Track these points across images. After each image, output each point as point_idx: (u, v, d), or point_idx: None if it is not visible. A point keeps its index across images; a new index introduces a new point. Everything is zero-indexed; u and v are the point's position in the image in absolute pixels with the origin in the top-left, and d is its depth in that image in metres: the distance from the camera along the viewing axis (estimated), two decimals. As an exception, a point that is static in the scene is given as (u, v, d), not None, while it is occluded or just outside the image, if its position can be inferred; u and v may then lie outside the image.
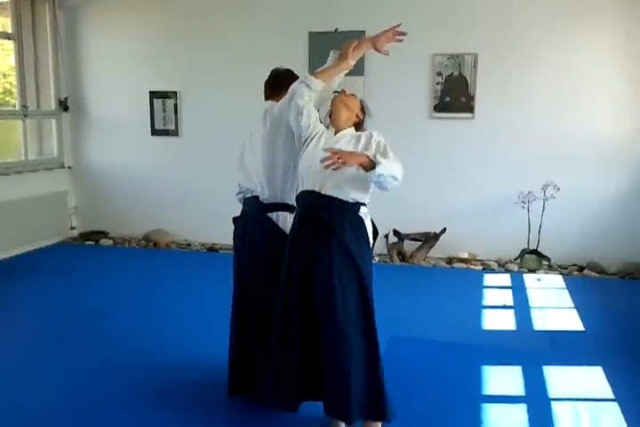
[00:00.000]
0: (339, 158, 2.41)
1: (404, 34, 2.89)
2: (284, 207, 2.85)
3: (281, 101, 2.87)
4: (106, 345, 3.69)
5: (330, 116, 2.80)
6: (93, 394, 3.05)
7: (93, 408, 2.91)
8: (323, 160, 2.46)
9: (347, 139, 2.71)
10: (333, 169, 2.45)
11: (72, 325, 4.10)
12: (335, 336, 2.52)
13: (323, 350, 2.57)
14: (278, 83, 2.99)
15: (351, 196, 2.63)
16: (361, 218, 2.69)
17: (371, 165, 2.47)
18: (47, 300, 4.59)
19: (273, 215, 2.84)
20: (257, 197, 2.87)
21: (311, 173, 2.63)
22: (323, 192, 2.60)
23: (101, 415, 2.85)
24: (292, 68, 5.58)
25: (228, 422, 2.86)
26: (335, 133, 2.73)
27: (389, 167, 2.51)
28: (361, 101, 2.77)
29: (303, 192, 2.68)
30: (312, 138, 2.72)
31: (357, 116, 2.80)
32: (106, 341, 3.75)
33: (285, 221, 2.82)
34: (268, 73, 3.15)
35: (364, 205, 2.72)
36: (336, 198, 2.60)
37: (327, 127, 2.79)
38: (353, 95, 2.80)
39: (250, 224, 2.88)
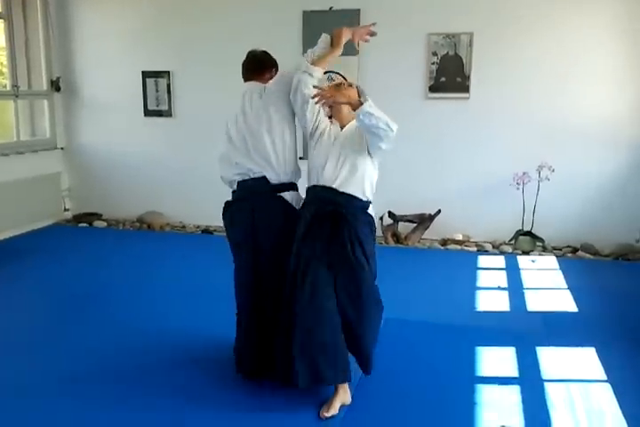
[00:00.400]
0: (330, 96, 2.65)
1: (374, 34, 3.04)
2: (293, 187, 2.95)
3: (274, 82, 2.91)
4: (101, 326, 3.70)
5: (330, 109, 2.87)
6: (93, 376, 3.06)
7: (96, 389, 2.93)
8: (313, 96, 2.68)
9: (352, 129, 2.83)
10: (323, 104, 2.73)
11: (67, 306, 4.10)
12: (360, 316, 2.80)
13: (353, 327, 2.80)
14: (261, 65, 3.07)
15: (366, 193, 2.78)
16: (372, 215, 2.84)
17: (358, 105, 2.61)
18: (41, 282, 4.59)
19: (286, 195, 2.91)
20: (263, 178, 2.87)
21: (327, 169, 2.73)
22: (341, 189, 2.72)
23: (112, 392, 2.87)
24: (285, 47, 5.57)
25: (241, 396, 2.89)
26: (341, 129, 2.85)
27: (378, 111, 2.64)
28: (357, 88, 2.78)
29: (317, 187, 2.78)
30: (321, 133, 2.83)
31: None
32: (101, 321, 3.77)
33: (294, 199, 2.93)
34: (243, 54, 3.17)
35: (371, 202, 2.85)
36: (353, 196, 2.73)
37: (330, 118, 2.90)
38: (350, 85, 2.82)
39: (262, 205, 2.88)
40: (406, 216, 5.65)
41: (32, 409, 2.77)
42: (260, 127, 2.86)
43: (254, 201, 2.89)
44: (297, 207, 2.92)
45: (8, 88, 5.97)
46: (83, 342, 3.50)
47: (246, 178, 2.91)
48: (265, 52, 3.14)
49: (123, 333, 3.60)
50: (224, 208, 3.02)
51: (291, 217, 2.87)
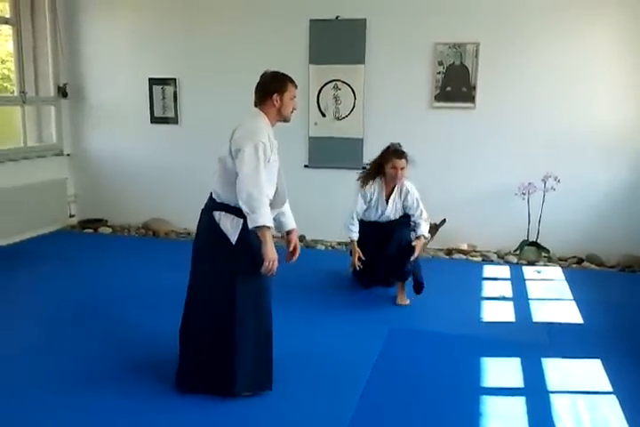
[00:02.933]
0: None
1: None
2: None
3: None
4: (104, 332, 3.70)
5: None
6: (94, 381, 3.06)
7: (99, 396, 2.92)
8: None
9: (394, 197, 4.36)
10: None
11: (71, 312, 4.09)
12: None
13: None
14: (263, 90, 2.99)
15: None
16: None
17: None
18: (45, 288, 4.59)
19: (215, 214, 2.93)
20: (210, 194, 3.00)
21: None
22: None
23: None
24: (292, 56, 5.61)
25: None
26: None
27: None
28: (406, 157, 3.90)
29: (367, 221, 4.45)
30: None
31: None
32: (104, 328, 3.76)
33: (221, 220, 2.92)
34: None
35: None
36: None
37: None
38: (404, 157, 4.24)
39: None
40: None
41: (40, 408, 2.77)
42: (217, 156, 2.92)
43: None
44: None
45: (16, 94, 6.01)
46: (85, 347, 3.49)
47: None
48: (273, 75, 3.01)
49: (126, 339, 3.59)
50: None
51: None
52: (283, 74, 3.02)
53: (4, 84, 6.33)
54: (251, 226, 2.73)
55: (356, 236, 4.42)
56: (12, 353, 3.42)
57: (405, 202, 4.41)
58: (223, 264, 2.86)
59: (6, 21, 5.85)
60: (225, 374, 2.87)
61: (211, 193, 2.99)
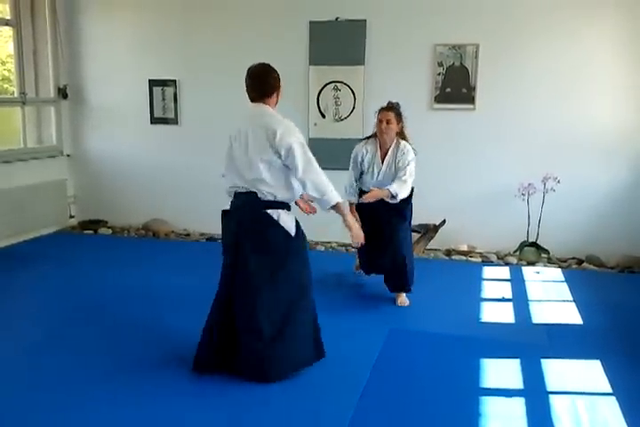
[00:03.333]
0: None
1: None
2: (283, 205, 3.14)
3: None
4: (105, 332, 3.70)
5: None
6: (95, 382, 3.06)
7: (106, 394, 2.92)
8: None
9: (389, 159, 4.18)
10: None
11: (71, 313, 4.09)
12: None
13: None
14: (268, 87, 3.13)
15: None
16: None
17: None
18: (45, 289, 4.59)
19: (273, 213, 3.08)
20: (253, 193, 3.04)
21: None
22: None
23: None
24: (292, 57, 5.61)
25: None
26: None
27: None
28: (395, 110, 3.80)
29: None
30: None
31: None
32: (104, 329, 3.76)
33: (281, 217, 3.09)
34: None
35: None
36: None
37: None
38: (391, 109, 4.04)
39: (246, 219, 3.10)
40: (411, 226, 5.63)
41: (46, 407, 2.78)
42: (255, 157, 3.02)
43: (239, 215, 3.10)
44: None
45: (16, 95, 6.01)
46: (85, 347, 3.49)
47: (239, 191, 3.10)
48: (267, 70, 3.14)
49: (125, 339, 3.59)
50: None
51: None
52: (273, 68, 3.17)
53: (5, 86, 6.33)
54: (327, 207, 3.08)
55: (354, 199, 4.23)
56: (11, 353, 3.42)
57: (398, 163, 4.13)
58: (285, 256, 3.08)
59: (6, 23, 5.86)
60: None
61: (252, 193, 3.05)
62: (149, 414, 2.79)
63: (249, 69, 3.17)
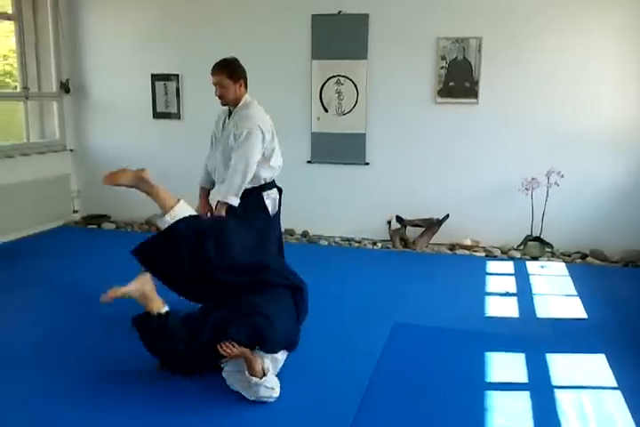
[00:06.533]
0: None
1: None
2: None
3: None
4: (109, 326, 3.70)
5: None
6: (100, 377, 3.06)
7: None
8: None
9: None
10: None
11: (76, 307, 4.09)
12: None
13: None
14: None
15: None
16: None
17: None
18: (50, 283, 4.59)
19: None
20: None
21: None
22: None
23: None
24: (294, 51, 5.67)
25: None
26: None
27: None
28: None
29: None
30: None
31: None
32: (109, 322, 3.75)
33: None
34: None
35: None
36: None
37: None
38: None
39: None
40: (414, 220, 5.64)
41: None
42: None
43: None
44: None
45: (18, 90, 6.00)
46: (89, 342, 3.50)
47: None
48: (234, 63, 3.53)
49: (131, 333, 3.59)
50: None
51: None
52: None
53: (7, 80, 6.32)
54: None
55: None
56: (15, 349, 3.43)
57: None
58: None
59: (8, 17, 5.84)
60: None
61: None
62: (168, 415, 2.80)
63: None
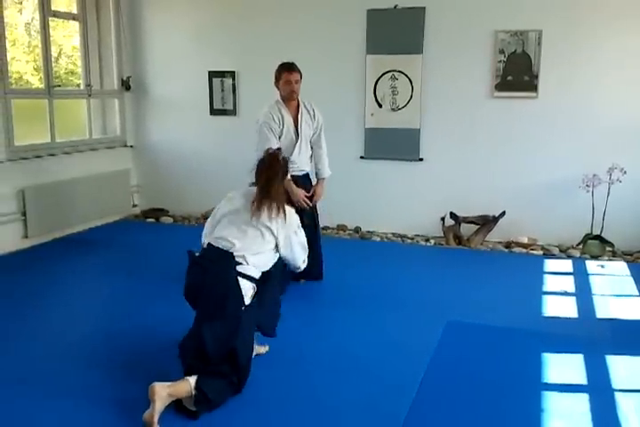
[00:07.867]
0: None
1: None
2: None
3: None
4: (168, 313, 3.78)
5: None
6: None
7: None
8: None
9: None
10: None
11: (140, 296, 4.21)
12: None
13: None
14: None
15: None
16: None
17: None
18: (108, 273, 4.77)
19: None
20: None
21: None
22: None
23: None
24: (350, 46, 5.66)
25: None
26: None
27: None
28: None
29: None
30: None
31: None
32: (171, 308, 3.83)
33: None
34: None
35: None
36: None
37: None
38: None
39: None
40: (469, 217, 5.56)
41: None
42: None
43: None
44: None
45: (81, 87, 6.21)
46: (156, 326, 3.60)
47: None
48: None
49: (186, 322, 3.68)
50: None
51: None
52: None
53: (70, 78, 6.54)
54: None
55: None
56: (76, 336, 3.56)
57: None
58: None
59: (73, 17, 6.04)
60: None
61: None
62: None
63: None
